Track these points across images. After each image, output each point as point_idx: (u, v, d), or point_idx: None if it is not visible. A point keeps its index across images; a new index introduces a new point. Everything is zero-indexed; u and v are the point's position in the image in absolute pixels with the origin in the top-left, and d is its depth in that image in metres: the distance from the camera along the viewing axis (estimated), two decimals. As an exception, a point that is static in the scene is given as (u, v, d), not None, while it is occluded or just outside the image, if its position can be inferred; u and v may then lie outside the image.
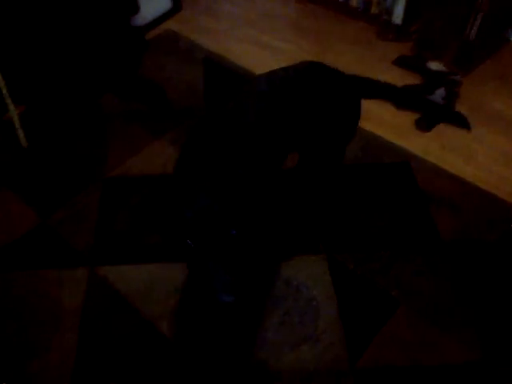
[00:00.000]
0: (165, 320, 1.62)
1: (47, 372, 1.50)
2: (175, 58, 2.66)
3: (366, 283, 1.70)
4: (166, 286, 1.70)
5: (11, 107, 2.07)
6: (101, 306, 1.66)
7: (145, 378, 1.49)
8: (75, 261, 1.77)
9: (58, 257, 1.79)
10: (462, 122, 1.88)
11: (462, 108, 2.32)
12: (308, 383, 1.47)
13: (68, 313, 1.63)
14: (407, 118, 2.26)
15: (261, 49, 2.72)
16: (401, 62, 2.58)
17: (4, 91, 2.00)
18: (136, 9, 2.45)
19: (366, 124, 2.24)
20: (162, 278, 1.72)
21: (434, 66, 2.46)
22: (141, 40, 2.67)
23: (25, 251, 1.81)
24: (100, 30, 2.27)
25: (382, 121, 2.26)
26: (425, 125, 2.22)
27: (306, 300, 1.65)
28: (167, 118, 2.30)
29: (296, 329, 1.59)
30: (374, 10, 2.76)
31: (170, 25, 2.91)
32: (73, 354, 1.53)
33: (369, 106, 2.34)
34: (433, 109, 2.14)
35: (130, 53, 2.55)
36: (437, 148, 2.16)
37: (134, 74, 2.39)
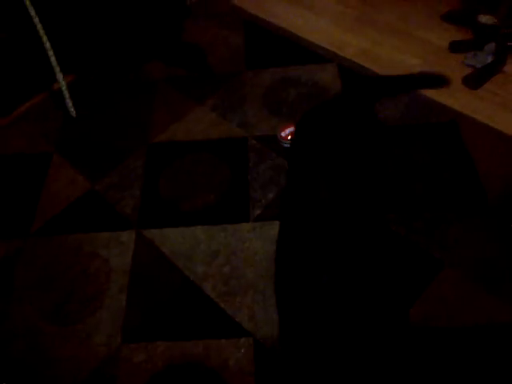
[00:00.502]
0: (209, 281, 1.66)
1: (100, 328, 1.58)
2: (216, 21, 2.64)
3: (409, 244, 1.68)
4: (210, 248, 1.74)
5: (60, 77, 2.13)
6: (148, 268, 1.72)
7: (189, 337, 1.55)
8: (122, 224, 1.84)
9: (105, 221, 1.86)
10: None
11: (515, 64, 2.20)
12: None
13: (117, 273, 1.70)
14: (455, 75, 2.17)
15: (304, 9, 2.64)
16: (450, 17, 2.45)
17: (53, 60, 2.06)
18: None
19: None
20: (205, 240, 1.76)
21: (486, 19, 2.32)
22: (182, 5, 2.67)
23: (75, 216, 1.89)
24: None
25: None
26: (473, 82, 2.12)
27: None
28: (208, 83, 2.31)
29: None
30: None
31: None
32: (122, 312, 1.61)
33: (416, 67, 2.27)
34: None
35: (172, 18, 2.56)
36: (487, 106, 2.06)
37: (176, 39, 2.40)
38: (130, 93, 2.34)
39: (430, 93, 2.12)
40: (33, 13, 1.92)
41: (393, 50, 2.33)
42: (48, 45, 2.01)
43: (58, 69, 2.10)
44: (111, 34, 2.31)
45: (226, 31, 2.58)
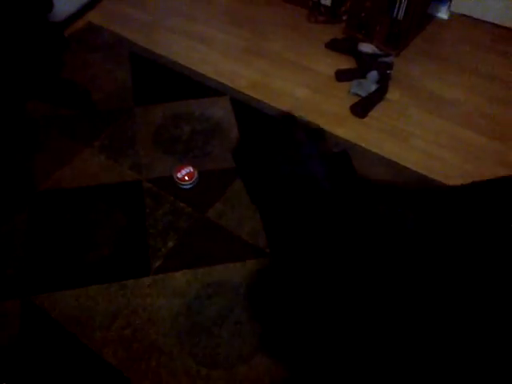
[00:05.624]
0: (109, 347, 1.54)
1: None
2: (99, 54, 2.50)
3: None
4: (107, 309, 1.61)
5: None
6: (39, 339, 1.55)
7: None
8: (5, 292, 1.65)
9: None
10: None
11: (395, 90, 2.32)
12: None
13: (1, 349, 1.52)
14: (343, 104, 2.24)
15: (192, 39, 2.59)
16: (333, 46, 2.53)
17: None
18: (50, 6, 2.25)
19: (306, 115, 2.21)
20: (102, 301, 1.63)
21: (365, 47, 2.42)
22: (60, 37, 2.49)
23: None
24: (15, 31, 2.08)
25: (320, 111, 2.23)
26: (360, 111, 2.20)
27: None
28: (93, 122, 2.16)
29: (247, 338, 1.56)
30: (302, -9, 2.69)
31: (92, 17, 2.73)
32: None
33: (306, 97, 2.31)
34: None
35: (49, 52, 2.37)
36: (373, 133, 2.14)
37: (55, 75, 2.21)
38: (8, 137, 2.13)
39: (321, 123, 2.16)
40: None
41: (283, 81, 2.35)
42: None
43: None
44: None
45: (110, 65, 2.45)
